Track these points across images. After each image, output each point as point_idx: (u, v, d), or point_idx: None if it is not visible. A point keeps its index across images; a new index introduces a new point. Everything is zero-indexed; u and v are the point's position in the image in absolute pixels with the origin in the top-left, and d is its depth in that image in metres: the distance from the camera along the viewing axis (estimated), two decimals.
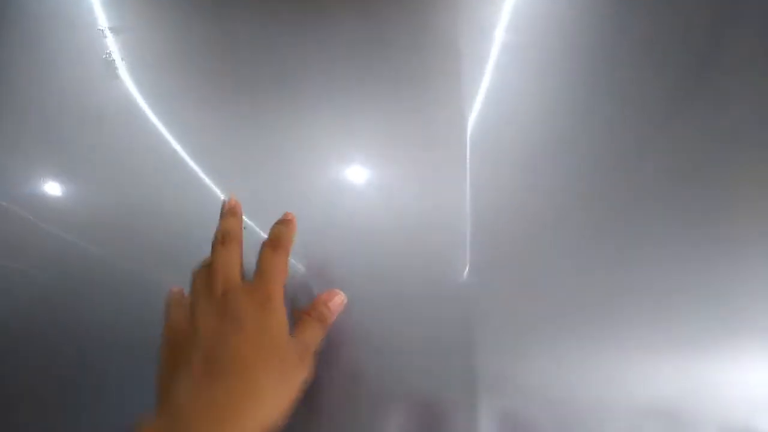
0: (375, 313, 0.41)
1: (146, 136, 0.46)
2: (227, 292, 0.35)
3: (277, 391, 0.33)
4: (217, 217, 0.41)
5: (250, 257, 0.38)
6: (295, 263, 0.42)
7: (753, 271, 0.41)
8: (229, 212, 0.40)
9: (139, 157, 0.46)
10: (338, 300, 0.40)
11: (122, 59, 0.49)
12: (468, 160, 0.44)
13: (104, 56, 0.49)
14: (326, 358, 0.40)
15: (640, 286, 0.42)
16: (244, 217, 0.42)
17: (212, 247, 0.38)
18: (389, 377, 0.41)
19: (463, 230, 0.43)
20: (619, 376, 0.40)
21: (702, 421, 0.40)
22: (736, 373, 0.40)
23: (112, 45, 0.49)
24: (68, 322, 0.44)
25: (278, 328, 0.35)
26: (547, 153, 0.44)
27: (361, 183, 0.45)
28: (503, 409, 0.40)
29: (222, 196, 0.45)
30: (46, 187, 0.47)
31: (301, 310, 0.39)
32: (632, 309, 0.41)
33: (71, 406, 0.43)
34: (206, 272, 0.36)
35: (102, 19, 0.50)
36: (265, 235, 0.40)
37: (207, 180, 0.45)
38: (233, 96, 0.47)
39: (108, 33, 0.50)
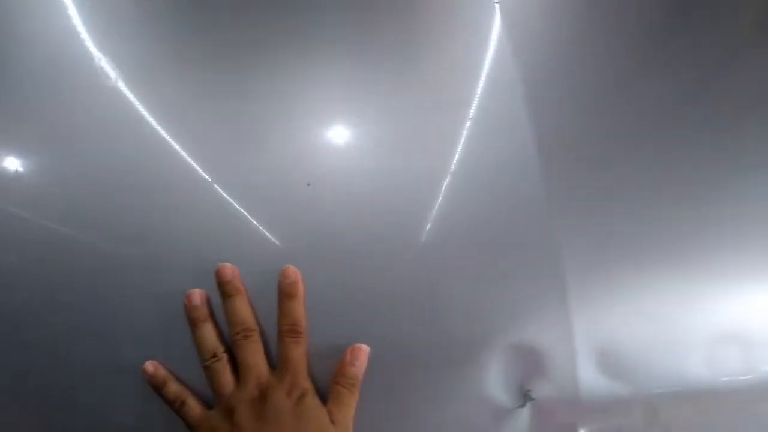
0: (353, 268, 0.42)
1: (116, 107, 0.44)
2: (264, 393, 0.36)
3: None
4: (193, 192, 0.39)
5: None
6: (272, 239, 0.41)
7: None
8: (234, 292, 0.39)
9: (111, 129, 0.43)
10: (363, 357, 0.39)
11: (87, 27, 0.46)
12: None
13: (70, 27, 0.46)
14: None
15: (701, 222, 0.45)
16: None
17: (234, 342, 0.38)
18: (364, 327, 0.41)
19: (437, 191, 0.43)
20: (694, 306, 0.43)
21: None
22: None
23: (76, 15, 0.46)
24: (43, 311, 0.42)
25: (319, 423, 0.36)
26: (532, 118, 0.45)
27: (340, 144, 0.44)
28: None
29: (205, 175, 0.42)
30: (8, 163, 0.44)
31: (331, 377, 0.39)
32: (698, 245, 0.44)
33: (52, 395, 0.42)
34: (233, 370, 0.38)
35: None
36: (247, 215, 0.39)
37: (177, 147, 0.43)
38: (208, 60, 0.45)
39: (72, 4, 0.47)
